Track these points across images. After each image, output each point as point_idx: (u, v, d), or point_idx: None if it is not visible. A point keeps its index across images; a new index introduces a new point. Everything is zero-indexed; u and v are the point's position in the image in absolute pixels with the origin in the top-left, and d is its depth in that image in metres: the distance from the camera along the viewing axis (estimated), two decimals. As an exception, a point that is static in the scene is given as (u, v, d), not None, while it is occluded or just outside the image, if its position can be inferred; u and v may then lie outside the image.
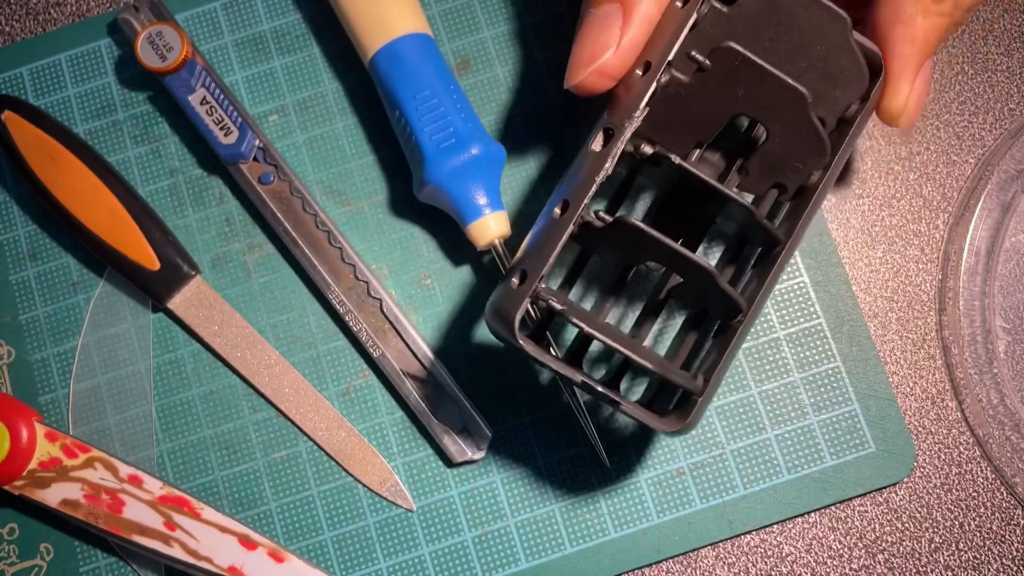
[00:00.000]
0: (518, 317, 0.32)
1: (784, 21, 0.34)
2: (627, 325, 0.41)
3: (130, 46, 0.44)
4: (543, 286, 0.33)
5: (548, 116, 0.43)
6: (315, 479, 0.41)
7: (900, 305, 0.42)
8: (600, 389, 0.33)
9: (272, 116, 0.43)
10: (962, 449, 0.41)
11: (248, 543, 0.39)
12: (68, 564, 0.41)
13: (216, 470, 0.41)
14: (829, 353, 0.41)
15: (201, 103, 0.41)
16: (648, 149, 0.33)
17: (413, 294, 0.42)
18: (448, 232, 0.42)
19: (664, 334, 0.41)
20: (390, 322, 0.41)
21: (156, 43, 0.40)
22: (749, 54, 0.33)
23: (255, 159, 0.42)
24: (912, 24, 0.34)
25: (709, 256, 0.41)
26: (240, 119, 0.41)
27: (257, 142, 0.41)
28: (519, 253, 0.35)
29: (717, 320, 0.35)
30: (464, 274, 0.42)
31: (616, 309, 0.41)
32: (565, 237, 0.32)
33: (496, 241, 0.39)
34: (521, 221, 0.42)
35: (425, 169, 0.39)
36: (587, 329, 0.32)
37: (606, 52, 0.34)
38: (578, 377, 0.33)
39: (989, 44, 0.44)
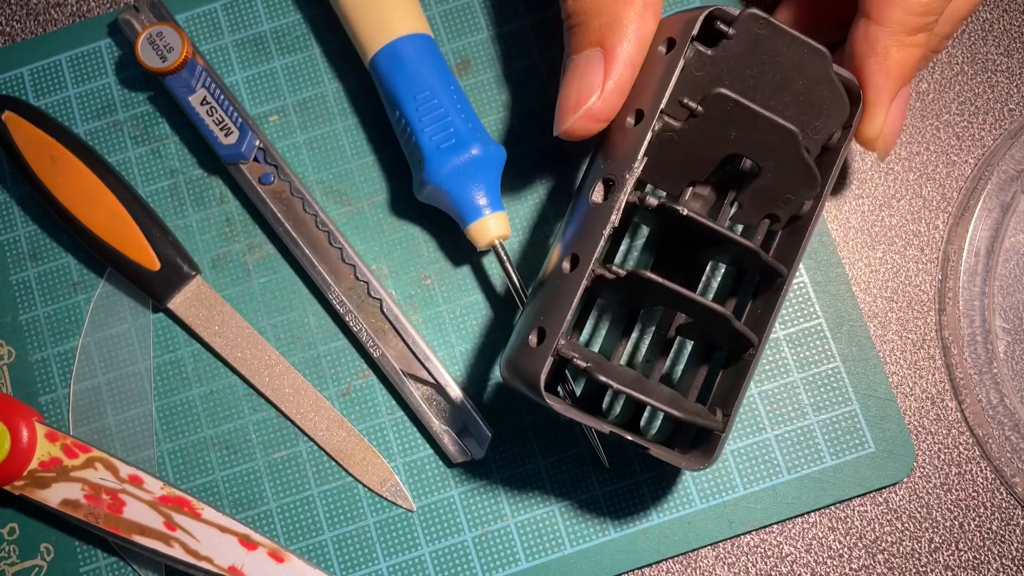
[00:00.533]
0: (543, 378, 0.33)
1: (767, 59, 0.34)
2: (638, 357, 0.41)
3: (130, 46, 0.44)
4: (563, 343, 0.33)
5: (548, 116, 0.43)
6: (315, 479, 0.41)
7: (900, 305, 0.42)
8: (629, 438, 0.34)
9: (272, 116, 0.43)
10: (962, 449, 0.41)
11: (248, 543, 0.39)
12: (68, 564, 0.41)
13: (216, 470, 0.41)
14: (829, 353, 0.41)
15: (201, 103, 0.41)
16: (653, 201, 0.33)
17: (413, 294, 0.42)
18: (448, 232, 0.42)
19: (676, 362, 0.41)
20: (390, 322, 0.41)
21: (156, 43, 0.40)
22: (742, 99, 0.33)
23: (255, 159, 0.42)
24: (886, 56, 0.34)
25: (710, 281, 0.41)
26: (240, 119, 0.41)
27: (257, 142, 0.41)
28: (529, 305, 0.35)
29: (725, 352, 0.36)
30: (464, 274, 0.42)
31: (627, 346, 0.41)
32: (580, 293, 0.33)
33: (496, 242, 0.39)
34: (521, 222, 0.42)
35: (425, 169, 0.39)
36: (616, 386, 0.32)
37: (591, 96, 0.34)
38: (606, 429, 0.34)
39: (989, 44, 0.44)
